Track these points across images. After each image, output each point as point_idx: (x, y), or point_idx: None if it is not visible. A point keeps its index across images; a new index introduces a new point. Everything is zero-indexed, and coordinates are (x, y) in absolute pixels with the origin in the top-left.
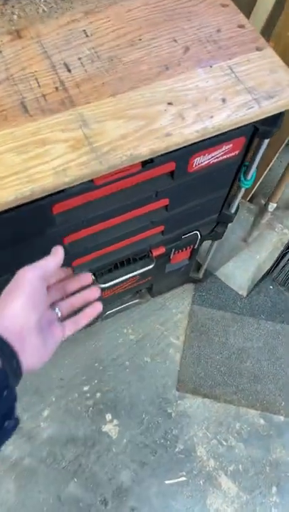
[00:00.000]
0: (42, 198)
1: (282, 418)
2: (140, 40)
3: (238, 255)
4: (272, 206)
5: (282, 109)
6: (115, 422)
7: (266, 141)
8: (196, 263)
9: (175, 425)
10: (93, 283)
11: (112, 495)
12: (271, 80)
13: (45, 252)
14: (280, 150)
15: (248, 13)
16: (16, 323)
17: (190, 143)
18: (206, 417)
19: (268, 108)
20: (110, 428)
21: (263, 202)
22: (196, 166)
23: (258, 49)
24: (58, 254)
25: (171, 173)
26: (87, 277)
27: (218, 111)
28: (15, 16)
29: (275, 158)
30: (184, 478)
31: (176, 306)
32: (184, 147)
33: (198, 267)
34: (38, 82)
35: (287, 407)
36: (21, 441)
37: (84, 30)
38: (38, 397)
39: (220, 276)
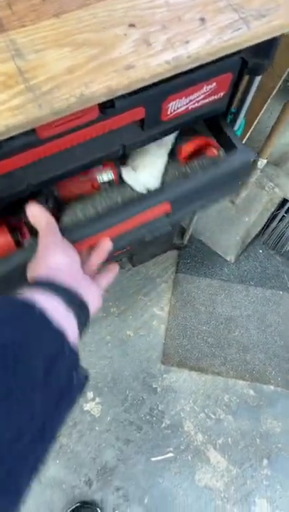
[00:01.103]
0: None
1: (272, 388)
2: None
3: (225, 218)
4: (262, 163)
5: (277, 33)
6: (98, 399)
7: (257, 80)
8: (179, 228)
9: (161, 400)
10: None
11: (97, 475)
12: None
13: None
14: (270, 98)
15: None
16: (62, 269)
17: (159, 78)
18: (193, 390)
19: (259, 30)
20: (92, 406)
21: None
22: (171, 112)
23: None
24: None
25: (141, 123)
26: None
27: (195, 34)
28: None
29: (264, 108)
30: (171, 455)
31: (160, 275)
32: (154, 86)
33: (182, 232)
34: None
35: (278, 377)
36: None
37: None
38: None
39: (206, 242)
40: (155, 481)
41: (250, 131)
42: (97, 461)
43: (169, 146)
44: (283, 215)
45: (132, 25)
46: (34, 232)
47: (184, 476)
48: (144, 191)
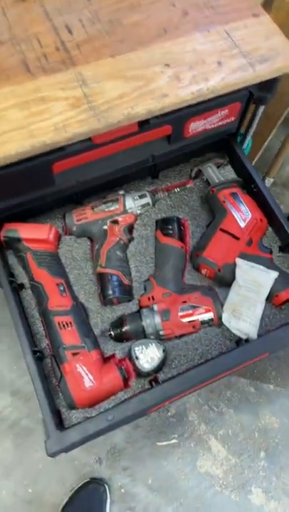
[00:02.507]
0: (44, 155)
1: (271, 387)
2: (140, 4)
3: None
4: (269, 181)
5: (277, 74)
6: None
7: (261, 109)
8: None
9: None
10: None
11: (107, 454)
12: (266, 45)
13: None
14: (277, 126)
15: None
16: None
17: (185, 104)
18: None
19: (262, 72)
20: None
21: None
22: (192, 131)
23: (255, 15)
24: None
25: (168, 138)
26: None
27: (213, 73)
28: None
29: (272, 135)
30: (175, 441)
31: None
32: (180, 110)
33: None
34: (39, 43)
35: (277, 377)
36: (19, 404)
37: None
38: None
39: None
40: (160, 464)
41: (259, 153)
42: (107, 442)
43: (267, 294)
44: None
45: (167, 65)
46: (138, 374)
47: (187, 461)
48: (244, 337)
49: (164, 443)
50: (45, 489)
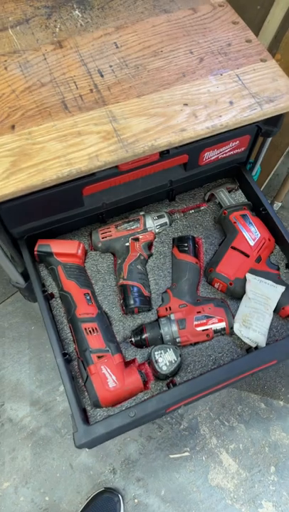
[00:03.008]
0: (76, 180)
1: (281, 403)
2: (162, 51)
3: None
4: (277, 205)
5: (281, 112)
6: None
7: (269, 140)
8: None
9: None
10: None
11: (121, 465)
12: (272, 87)
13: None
14: (283, 155)
15: (258, 29)
16: None
17: (201, 137)
18: (210, 399)
19: (268, 110)
20: None
21: None
22: (206, 159)
23: (262, 60)
24: None
25: (184, 165)
26: None
27: (226, 111)
28: (57, 29)
29: (279, 163)
30: (187, 454)
31: None
32: (196, 141)
33: None
34: (76, 85)
35: (287, 393)
36: (38, 413)
37: (115, 43)
38: (55, 373)
39: None
40: (172, 476)
41: (268, 179)
42: (121, 453)
43: (274, 306)
44: None
45: (185, 104)
46: (157, 377)
47: (198, 474)
48: (253, 345)
49: (177, 455)
50: (62, 497)
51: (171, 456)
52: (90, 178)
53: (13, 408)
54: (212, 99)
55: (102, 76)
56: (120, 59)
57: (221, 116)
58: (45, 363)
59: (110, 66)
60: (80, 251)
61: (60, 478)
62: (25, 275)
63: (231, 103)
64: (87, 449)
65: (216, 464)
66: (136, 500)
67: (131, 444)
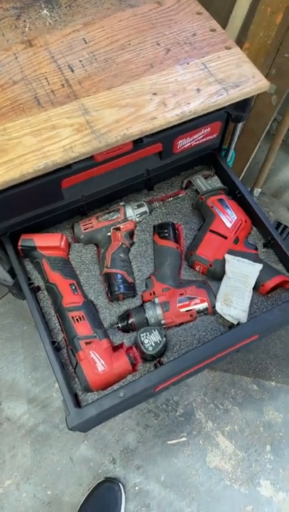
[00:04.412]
0: (54, 172)
1: (273, 384)
2: (130, 44)
3: None
4: (257, 191)
5: (247, 96)
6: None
7: (239, 126)
8: None
9: (175, 392)
10: None
11: (120, 454)
12: (237, 72)
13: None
14: (260, 141)
15: (225, 20)
16: None
17: (172, 125)
18: (204, 384)
19: (234, 95)
20: None
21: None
22: (180, 147)
23: (227, 48)
24: None
25: (160, 154)
26: None
27: (193, 98)
28: (26, 29)
29: (256, 149)
30: (184, 439)
31: None
32: (168, 129)
33: None
34: (47, 81)
35: (278, 374)
36: (36, 410)
37: (83, 38)
38: (50, 371)
39: None
40: (171, 462)
41: (247, 166)
42: (120, 442)
43: (253, 283)
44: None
45: (154, 94)
46: (144, 359)
47: (196, 458)
48: (235, 322)
49: (174, 441)
50: (64, 490)
51: (169, 442)
52: (67, 170)
53: (10, 407)
54: (180, 88)
55: (72, 71)
56: (89, 54)
57: (189, 103)
58: (39, 361)
59: (80, 61)
60: (63, 243)
61: (61, 472)
62: (12, 273)
63: (198, 90)
64: (86, 442)
65: (213, 446)
66: (137, 488)
67: (129, 433)
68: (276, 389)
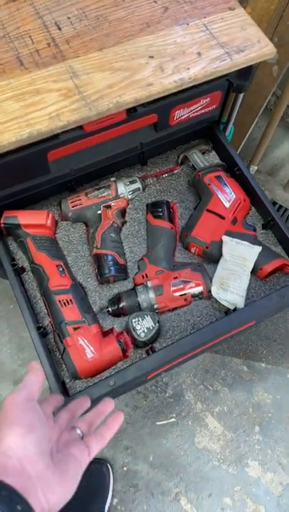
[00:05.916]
0: (39, 143)
1: (263, 365)
2: (123, 0)
3: None
4: (253, 169)
5: (252, 62)
6: None
7: (240, 97)
8: None
9: (165, 374)
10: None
11: None
12: (242, 36)
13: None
14: (258, 116)
15: None
16: (12, 457)
17: (169, 92)
18: (194, 366)
19: (238, 61)
20: None
21: None
22: (176, 119)
23: (231, 8)
24: (36, 371)
25: (155, 126)
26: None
27: (194, 63)
28: None
29: (254, 124)
30: (173, 420)
31: None
32: (165, 99)
33: None
34: (31, 39)
35: (268, 355)
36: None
37: None
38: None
39: None
40: (159, 442)
41: (243, 142)
42: None
43: (251, 267)
44: None
45: (151, 57)
46: (136, 345)
47: (185, 438)
48: (232, 307)
49: (163, 422)
50: None
51: (158, 423)
52: (54, 141)
53: None
54: (179, 51)
55: (59, 29)
56: (79, 10)
57: (189, 68)
58: (26, 341)
59: (68, 18)
60: (49, 221)
61: None
62: None
63: (199, 54)
64: None
65: (202, 427)
66: (125, 468)
67: None
68: (266, 370)
